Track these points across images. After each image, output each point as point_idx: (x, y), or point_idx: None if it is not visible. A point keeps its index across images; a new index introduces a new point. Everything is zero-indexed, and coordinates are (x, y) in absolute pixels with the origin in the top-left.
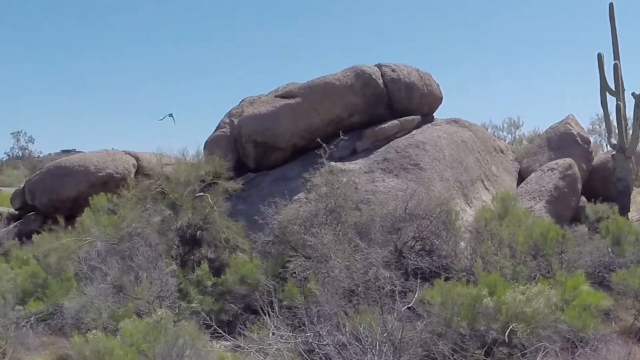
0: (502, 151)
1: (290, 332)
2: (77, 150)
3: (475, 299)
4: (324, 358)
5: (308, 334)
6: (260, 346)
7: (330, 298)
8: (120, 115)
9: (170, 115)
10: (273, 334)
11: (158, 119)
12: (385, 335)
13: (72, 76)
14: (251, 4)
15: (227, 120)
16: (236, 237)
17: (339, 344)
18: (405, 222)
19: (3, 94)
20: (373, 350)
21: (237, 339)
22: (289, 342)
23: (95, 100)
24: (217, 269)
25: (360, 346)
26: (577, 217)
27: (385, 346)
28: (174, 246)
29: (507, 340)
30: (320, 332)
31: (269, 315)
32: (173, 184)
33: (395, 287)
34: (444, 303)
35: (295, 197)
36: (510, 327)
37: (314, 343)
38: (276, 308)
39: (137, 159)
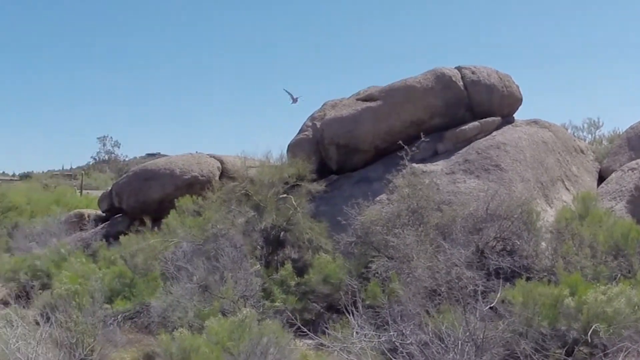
0: (582, 151)
1: (373, 331)
2: (161, 153)
3: (556, 299)
4: (406, 357)
5: (391, 333)
6: (344, 345)
7: (412, 298)
8: (205, 119)
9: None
10: (357, 332)
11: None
12: (467, 334)
13: (158, 81)
14: (332, 9)
15: (310, 124)
16: (319, 237)
17: (422, 343)
18: (487, 223)
19: (90, 100)
20: (455, 349)
21: (320, 338)
22: (373, 341)
23: (179, 105)
24: (300, 269)
25: (443, 345)
26: None
27: (467, 345)
28: (258, 247)
29: (589, 340)
30: (404, 331)
31: (352, 314)
32: (257, 186)
33: (478, 287)
34: (525, 303)
35: (377, 199)
36: (593, 327)
37: (397, 342)
38: (360, 307)
39: (221, 162)
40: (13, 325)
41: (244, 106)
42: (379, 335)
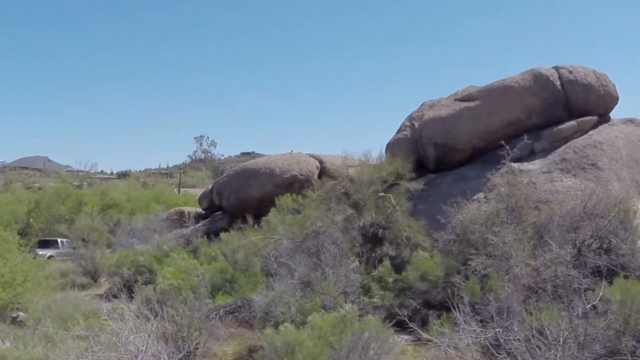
0: None
1: (478, 327)
2: (256, 152)
3: None
4: (508, 352)
5: (497, 329)
6: (452, 340)
7: (512, 295)
8: (299, 119)
9: None
10: (463, 329)
11: None
12: (569, 331)
13: (253, 81)
14: (431, 8)
15: (408, 124)
16: (417, 235)
17: (525, 339)
18: (584, 222)
19: (187, 101)
20: (557, 346)
21: (425, 334)
22: (479, 337)
23: (275, 105)
24: (398, 266)
25: (545, 341)
26: None
27: (569, 342)
28: (357, 244)
29: None
30: (509, 327)
31: (459, 310)
32: (357, 185)
33: (578, 285)
34: (623, 301)
35: (475, 197)
36: None
37: (502, 338)
38: (467, 304)
39: (320, 161)
40: (124, 318)
41: (340, 106)
42: (485, 331)
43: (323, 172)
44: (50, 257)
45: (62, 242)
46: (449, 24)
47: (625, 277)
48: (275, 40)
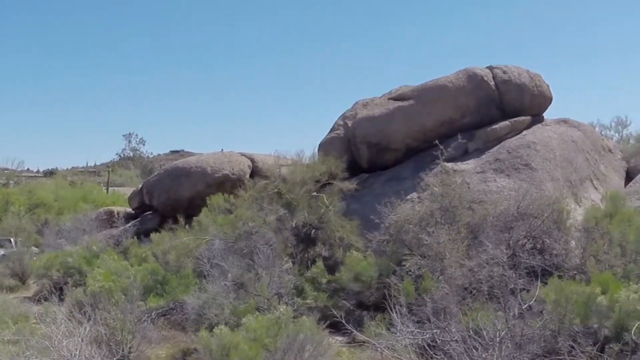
0: (610, 150)
1: (415, 329)
2: (185, 150)
3: (588, 297)
4: (445, 353)
5: (435, 331)
6: (390, 342)
7: (447, 296)
8: (230, 117)
9: None
10: (400, 330)
11: None
12: (506, 332)
13: (182, 79)
14: (361, 8)
15: (341, 122)
16: (350, 235)
17: (462, 340)
18: (517, 222)
19: (116, 98)
20: (494, 346)
21: (358, 335)
22: (417, 338)
23: (204, 103)
24: (331, 267)
25: (483, 342)
26: None
27: (506, 342)
28: (290, 245)
29: (620, 338)
30: (446, 328)
31: (395, 311)
32: (289, 185)
33: (512, 285)
34: (557, 301)
35: (408, 197)
36: (627, 324)
37: (439, 339)
38: (403, 305)
39: (252, 160)
40: (57, 322)
41: (272, 105)
42: (423, 332)
43: (255, 172)
44: (3, 256)
45: (15, 241)
46: (383, 22)
47: (560, 277)
48: (203, 37)
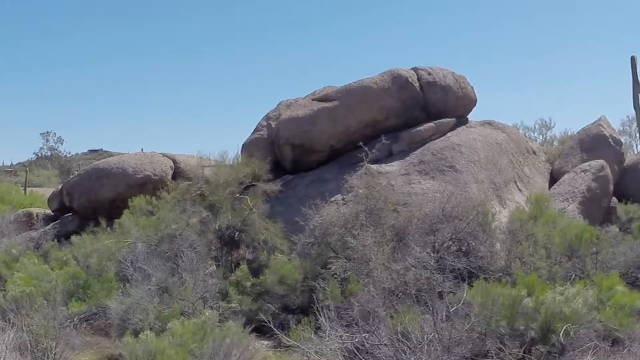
0: (534, 152)
1: (346, 333)
2: (104, 150)
3: (514, 299)
4: (374, 357)
5: (364, 335)
6: (320, 346)
7: (373, 299)
8: (150, 115)
9: None
10: (329, 334)
11: None
12: (434, 334)
13: (101, 78)
14: (284, 7)
15: (265, 123)
16: (274, 238)
17: (391, 343)
18: (442, 224)
19: (33, 96)
20: (422, 349)
21: (288, 339)
22: (346, 342)
23: (123, 101)
24: (256, 270)
25: (411, 345)
26: (608, 217)
27: (434, 345)
28: (213, 247)
29: (546, 340)
30: (375, 332)
31: (323, 315)
32: (212, 186)
33: (439, 288)
34: (483, 303)
35: (332, 199)
36: (554, 326)
37: (368, 343)
38: (332, 309)
39: (174, 161)
40: None
41: (196, 104)
42: (352, 336)
43: (177, 173)
44: None
45: None
46: (306, 22)
47: (485, 279)
48: (121, 34)
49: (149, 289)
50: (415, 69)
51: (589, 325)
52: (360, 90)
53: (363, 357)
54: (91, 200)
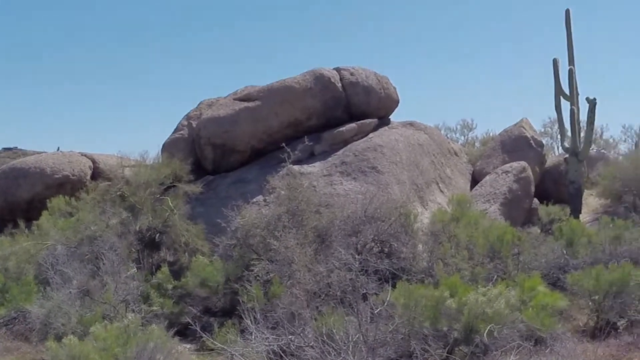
0: (456, 154)
1: (272, 335)
2: (19, 148)
3: (437, 300)
4: (300, 359)
5: (290, 337)
6: (246, 348)
7: (296, 300)
8: (66, 113)
9: None
10: (255, 336)
11: None
12: (359, 335)
13: (15, 73)
14: (209, 5)
15: (186, 123)
16: (196, 240)
17: (316, 345)
18: (365, 225)
19: None
20: (347, 351)
21: (204, 342)
22: (272, 344)
23: (39, 98)
24: (177, 272)
25: (336, 346)
26: (529, 218)
27: (359, 346)
28: (134, 249)
29: (470, 340)
30: (301, 333)
31: (248, 317)
32: (133, 187)
33: (363, 289)
34: (407, 304)
35: (254, 200)
36: (477, 327)
37: (294, 344)
38: (257, 311)
39: (93, 161)
40: None
41: (114, 103)
42: (278, 338)
43: (97, 173)
44: None
45: None
46: (228, 21)
47: (408, 280)
48: (35, 27)
49: (70, 292)
50: (337, 69)
51: (511, 326)
52: (283, 90)
53: (289, 359)
54: (8, 200)
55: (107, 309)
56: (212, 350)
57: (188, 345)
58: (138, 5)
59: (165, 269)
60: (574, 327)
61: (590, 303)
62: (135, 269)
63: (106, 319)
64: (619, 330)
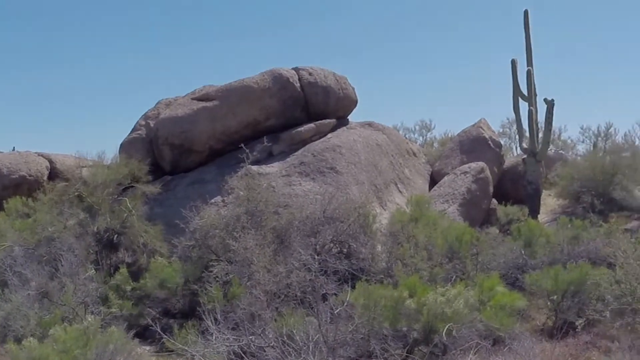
0: (414, 154)
1: (233, 336)
2: None
3: (396, 300)
4: (260, 359)
5: (250, 337)
6: (207, 349)
7: (256, 301)
8: (22, 112)
9: None
10: (216, 337)
11: None
12: (319, 336)
13: None
14: (164, 4)
15: (143, 122)
16: (154, 241)
17: (277, 345)
18: (324, 226)
19: None
20: (308, 351)
21: (164, 344)
22: (233, 345)
23: None
24: (136, 274)
25: (297, 347)
26: (488, 219)
27: (319, 346)
28: (92, 251)
29: (429, 340)
30: (261, 334)
31: (210, 318)
32: (91, 187)
33: (323, 290)
34: (366, 305)
35: (213, 201)
36: (436, 327)
37: (255, 345)
38: (218, 312)
39: (50, 161)
40: None
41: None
42: (239, 339)
43: (54, 173)
44: None
45: None
46: (187, 20)
47: (367, 281)
48: None
49: (29, 294)
50: (296, 69)
51: (470, 325)
52: (241, 90)
53: None
54: None
55: (67, 311)
56: (172, 351)
57: (148, 347)
58: (96, 4)
59: (123, 270)
60: (533, 326)
61: (548, 303)
62: (93, 270)
63: (65, 321)
64: (577, 330)
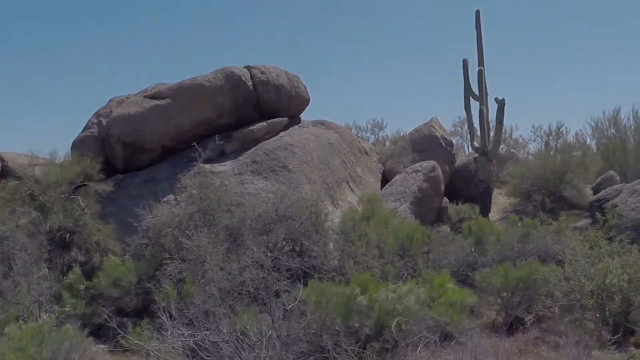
0: (366, 153)
1: (186, 331)
2: None
3: (348, 297)
4: (212, 355)
5: (206, 332)
6: (163, 344)
7: (209, 299)
8: None
9: None
10: (172, 333)
11: None
12: (272, 332)
13: None
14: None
15: (95, 120)
16: (107, 239)
17: (229, 340)
18: (276, 224)
19: None
20: (261, 346)
21: (118, 342)
22: (188, 340)
23: None
24: (89, 273)
25: (250, 342)
26: (439, 217)
27: (272, 342)
28: (44, 250)
29: (381, 336)
30: (216, 330)
31: (166, 315)
32: (43, 186)
33: (274, 286)
34: (318, 302)
35: (165, 199)
36: (387, 323)
37: (209, 340)
38: (173, 309)
39: (1, 159)
40: None
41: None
42: (194, 334)
43: (6, 171)
44: None
45: None
46: (138, 17)
47: (319, 278)
48: None
49: None
50: (248, 67)
51: (420, 321)
52: (193, 88)
53: (204, 355)
54: None
55: (21, 310)
56: (127, 350)
57: (102, 346)
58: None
59: (76, 269)
60: (483, 323)
61: (498, 299)
62: (46, 269)
63: (20, 319)
64: (526, 326)
